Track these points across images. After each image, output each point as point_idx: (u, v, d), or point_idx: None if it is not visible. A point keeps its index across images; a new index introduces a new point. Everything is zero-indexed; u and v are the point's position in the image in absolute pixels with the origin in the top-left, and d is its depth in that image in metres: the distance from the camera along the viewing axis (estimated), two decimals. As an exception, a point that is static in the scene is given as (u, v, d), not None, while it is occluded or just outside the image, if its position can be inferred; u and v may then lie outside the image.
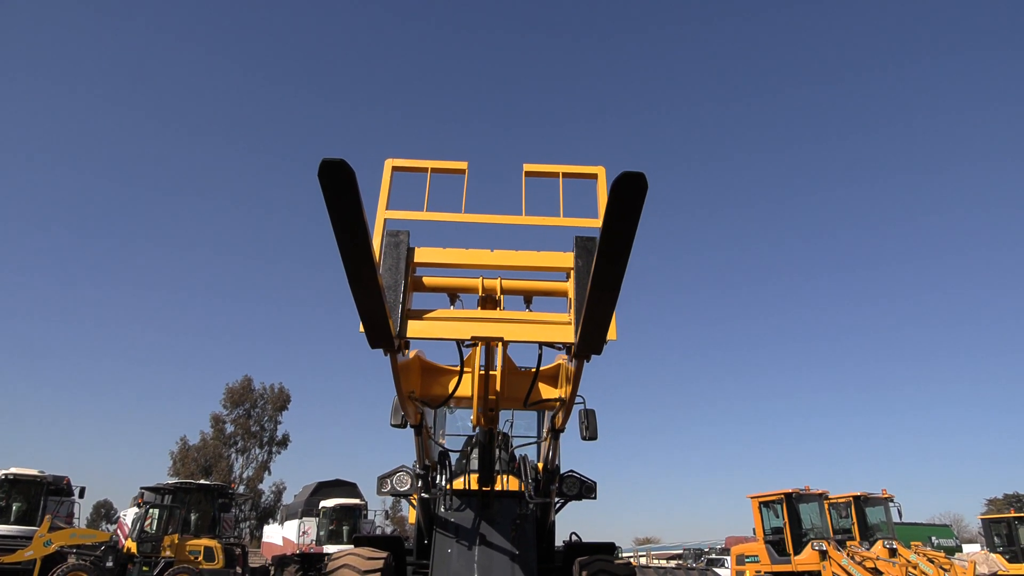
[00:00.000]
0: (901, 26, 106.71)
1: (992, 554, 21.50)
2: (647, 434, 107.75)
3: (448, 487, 6.16)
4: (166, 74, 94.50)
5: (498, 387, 4.69)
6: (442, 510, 6.00)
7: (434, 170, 4.71)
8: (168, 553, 18.97)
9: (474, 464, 6.37)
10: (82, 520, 24.33)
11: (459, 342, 4.20)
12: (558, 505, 6.59)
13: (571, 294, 4.09)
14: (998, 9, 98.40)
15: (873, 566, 14.22)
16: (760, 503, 17.25)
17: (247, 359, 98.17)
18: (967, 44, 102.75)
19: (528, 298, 4.61)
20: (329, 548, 24.64)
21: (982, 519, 23.97)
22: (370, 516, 28.73)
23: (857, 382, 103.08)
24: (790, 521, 16.22)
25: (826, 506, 16.90)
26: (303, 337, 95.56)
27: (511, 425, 7.30)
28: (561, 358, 4.94)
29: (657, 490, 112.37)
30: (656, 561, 38.25)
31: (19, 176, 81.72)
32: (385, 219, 4.42)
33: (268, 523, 41.06)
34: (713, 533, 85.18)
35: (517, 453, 7.10)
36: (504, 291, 4.49)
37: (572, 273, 4.08)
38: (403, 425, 4.87)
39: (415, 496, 6.12)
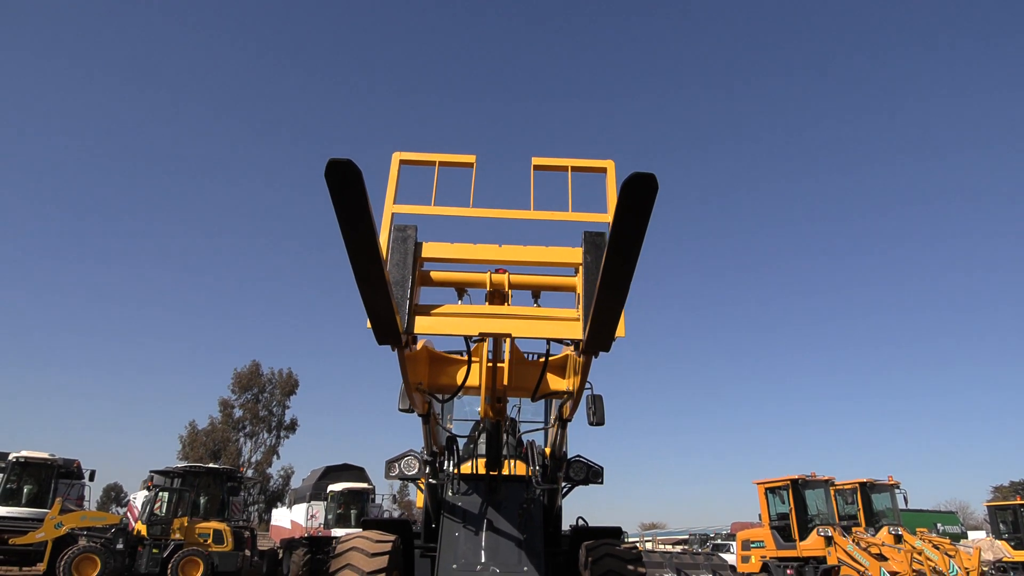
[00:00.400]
0: (917, 19, 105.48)
1: (997, 541, 21.51)
2: (654, 420, 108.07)
3: (456, 471, 6.19)
4: (180, 59, 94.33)
5: (506, 380, 4.68)
6: (450, 494, 6.03)
7: (442, 163, 4.67)
8: (178, 536, 19.18)
9: (481, 449, 6.40)
10: (92, 503, 24.59)
11: (467, 337, 4.19)
12: (565, 490, 6.61)
13: (579, 289, 4.06)
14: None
15: (878, 552, 14.24)
16: (766, 489, 17.28)
17: (255, 344, 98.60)
18: (968, 42, 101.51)
19: (536, 293, 4.60)
20: (337, 531, 24.80)
21: (988, 506, 23.98)
22: (378, 500, 28.98)
23: (864, 369, 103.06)
24: (796, 507, 16.25)
25: (832, 492, 16.92)
26: (311, 322, 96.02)
27: (518, 410, 7.31)
28: (569, 349, 4.93)
29: (663, 476, 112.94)
30: (662, 546, 38.43)
31: (28, 156, 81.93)
32: (392, 213, 4.39)
33: (276, 507, 41.30)
34: (719, 519, 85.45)
35: (524, 439, 7.11)
36: (512, 286, 4.48)
37: (580, 268, 4.05)
38: (411, 410, 4.88)
39: (423, 480, 6.15)
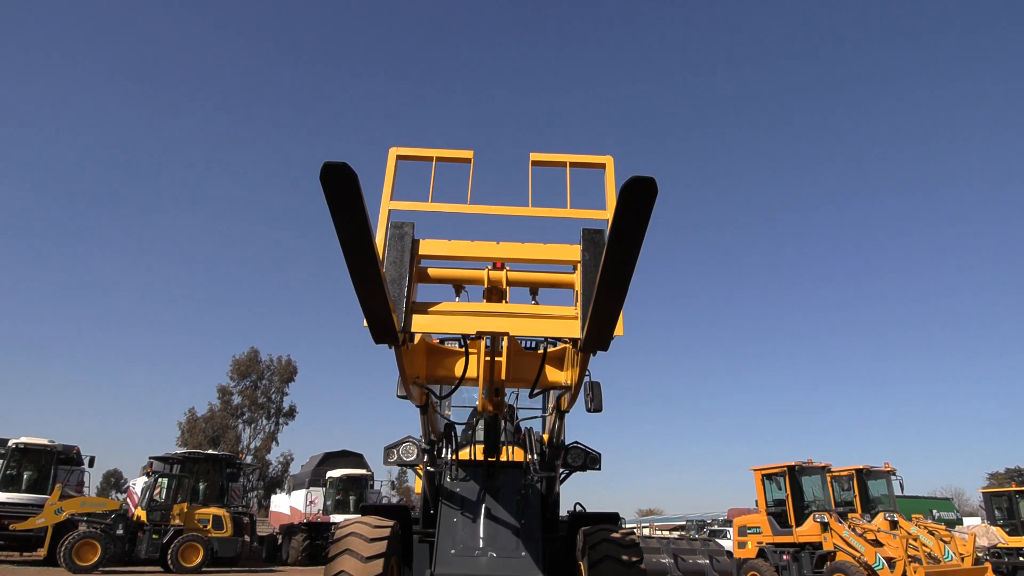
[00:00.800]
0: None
1: (992, 527, 21.64)
2: (652, 407, 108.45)
3: (454, 457, 6.20)
4: (178, 52, 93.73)
5: (503, 374, 4.67)
6: (448, 480, 6.04)
7: (439, 159, 4.64)
8: (177, 521, 19.27)
9: (480, 435, 6.41)
10: (92, 489, 24.68)
11: (464, 335, 4.17)
12: (563, 476, 6.63)
13: (578, 287, 4.04)
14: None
15: (874, 538, 14.33)
16: (763, 475, 17.35)
17: (254, 331, 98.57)
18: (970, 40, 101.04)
19: (534, 290, 4.58)
20: (336, 517, 24.94)
21: (983, 493, 24.10)
22: (376, 486, 29.10)
23: (861, 356, 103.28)
24: (792, 493, 16.32)
25: (828, 479, 16.98)
26: (310, 309, 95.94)
27: (516, 397, 7.33)
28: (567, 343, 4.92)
29: (661, 462, 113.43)
30: (659, 532, 38.64)
31: (24, 146, 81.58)
32: (389, 210, 4.36)
33: (276, 493, 41.50)
34: (716, 505, 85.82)
35: (522, 425, 7.13)
36: (510, 283, 4.46)
37: (579, 266, 4.04)
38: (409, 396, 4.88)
39: (421, 466, 6.17)
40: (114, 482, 72.79)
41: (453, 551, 5.58)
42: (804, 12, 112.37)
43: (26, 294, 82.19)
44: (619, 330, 3.64)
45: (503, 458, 6.15)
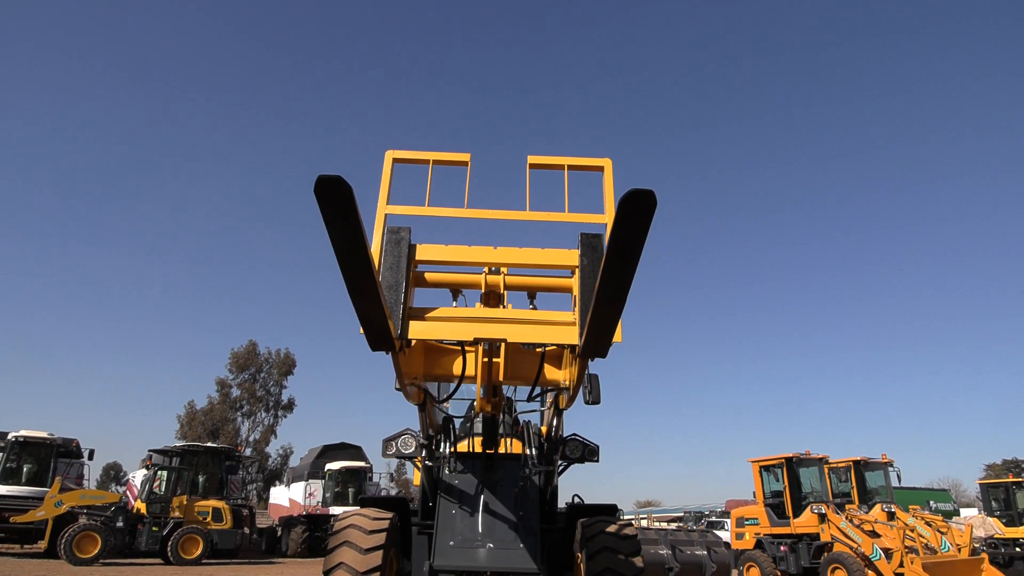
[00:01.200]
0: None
1: (989, 518, 21.75)
2: (649, 399, 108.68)
3: (453, 450, 6.22)
4: (177, 50, 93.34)
5: (502, 376, 4.68)
6: (446, 472, 6.06)
7: (436, 162, 4.61)
8: (177, 514, 19.34)
9: (478, 427, 6.42)
10: (92, 482, 24.75)
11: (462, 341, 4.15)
12: (561, 468, 6.65)
13: (576, 291, 4.02)
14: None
15: (871, 529, 14.40)
16: (761, 467, 17.41)
17: (252, 324, 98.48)
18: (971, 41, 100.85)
19: (532, 294, 4.58)
20: (335, 509, 25.03)
21: (980, 484, 24.20)
22: (375, 478, 29.16)
23: (859, 348, 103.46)
24: (790, 485, 16.38)
25: (826, 470, 17.04)
26: (308, 302, 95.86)
27: (515, 389, 7.33)
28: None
29: (658, 454, 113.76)
30: (657, 523, 38.81)
31: (22, 141, 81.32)
32: (386, 214, 4.33)
33: (275, 485, 41.64)
34: (713, 496, 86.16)
35: (521, 418, 7.14)
36: (507, 287, 4.46)
37: (577, 271, 4.02)
38: None
39: (420, 458, 6.18)
40: (114, 475, 72.93)
41: (452, 543, 5.60)
42: (803, 12, 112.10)
43: (25, 288, 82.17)
44: (617, 336, 3.63)
45: (501, 450, 6.17)
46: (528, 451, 6.09)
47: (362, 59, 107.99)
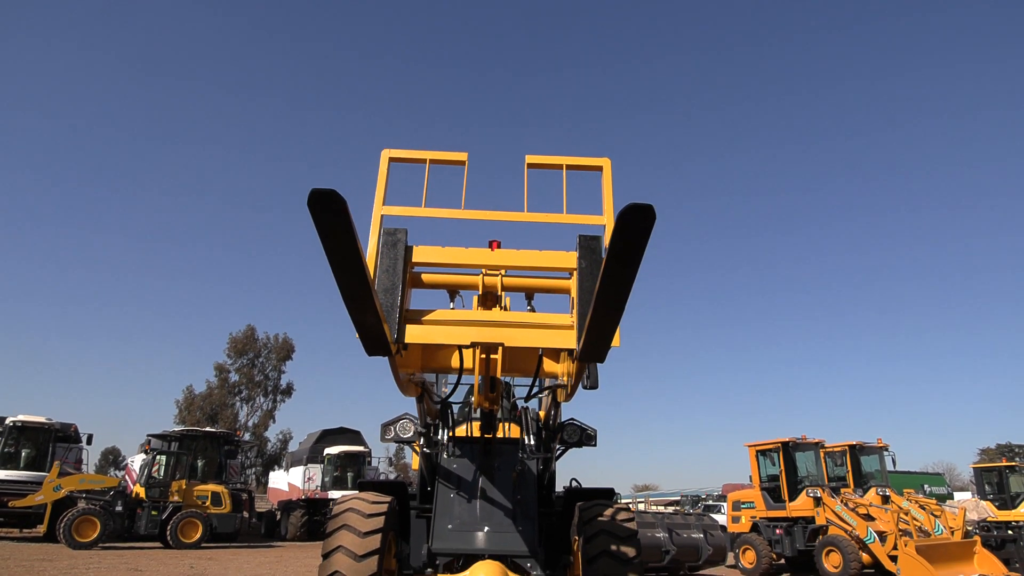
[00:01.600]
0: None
1: (982, 501, 21.89)
2: (646, 383, 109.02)
3: (451, 434, 6.23)
4: (178, 41, 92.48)
5: (499, 373, 4.68)
6: (444, 457, 6.08)
7: (433, 161, 4.56)
8: (176, 498, 19.41)
9: (476, 412, 6.42)
10: (90, 466, 24.80)
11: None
12: (558, 452, 6.67)
13: (574, 293, 4.01)
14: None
15: (866, 512, 14.51)
16: (757, 451, 17.49)
17: (250, 309, 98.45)
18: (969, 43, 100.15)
19: (529, 295, 4.55)
20: (334, 493, 25.16)
21: (974, 468, 24.33)
22: (374, 463, 29.29)
23: (855, 333, 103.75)
24: (786, 469, 16.48)
25: (822, 455, 17.14)
26: (306, 287, 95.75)
27: (512, 379, 7.34)
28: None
29: (656, 438, 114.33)
30: (654, 507, 39.05)
31: (20, 128, 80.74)
32: (382, 215, 4.28)
33: (274, 470, 41.79)
34: (710, 480, 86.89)
35: (519, 403, 7.15)
36: (505, 288, 4.43)
37: (575, 272, 4.00)
38: None
39: (418, 443, 6.19)
40: (112, 460, 73.11)
41: (450, 526, 5.63)
42: (803, 11, 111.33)
43: (24, 274, 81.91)
44: (616, 341, 3.62)
45: (500, 435, 6.18)
46: (526, 438, 6.11)
47: (359, 55, 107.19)
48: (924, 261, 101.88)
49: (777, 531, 16.15)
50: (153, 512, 18.92)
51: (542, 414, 6.79)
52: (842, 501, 14.91)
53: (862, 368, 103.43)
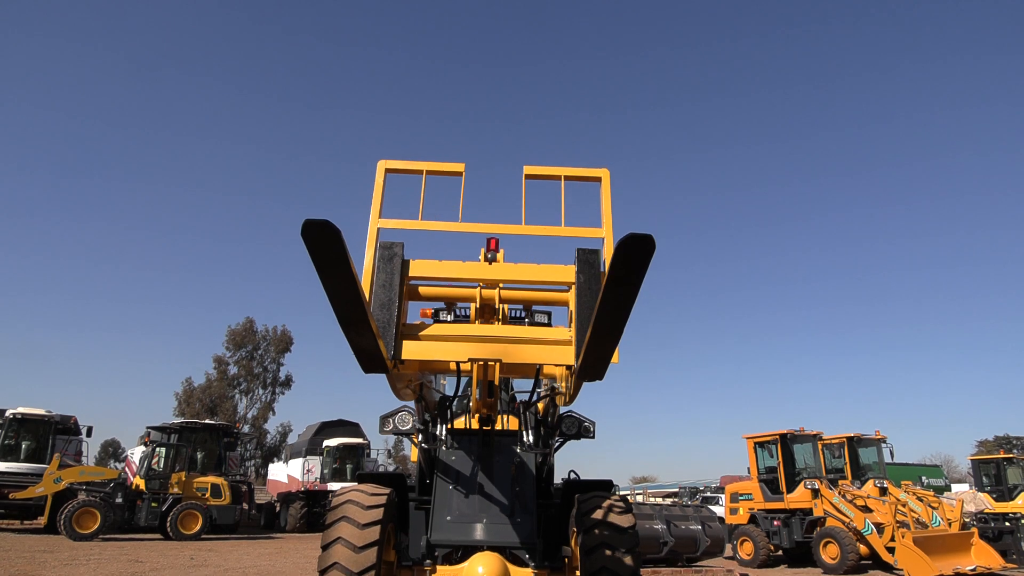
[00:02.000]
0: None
1: (980, 493, 21.98)
2: (644, 375, 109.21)
3: (449, 427, 6.24)
4: (180, 31, 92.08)
5: (496, 379, 4.67)
6: (443, 449, 6.09)
7: (429, 172, 4.50)
8: (176, 490, 19.46)
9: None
10: (90, 459, 24.86)
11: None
12: (557, 444, 6.68)
13: (572, 307, 3.98)
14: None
15: (863, 504, 14.56)
16: (755, 443, 17.53)
17: (249, 301, 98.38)
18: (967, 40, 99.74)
19: (528, 307, 4.51)
20: (333, 485, 25.22)
21: (972, 460, 24.43)
22: (373, 455, 29.34)
23: (853, 324, 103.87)
24: (784, 461, 16.51)
25: (820, 447, 17.18)
26: (305, 279, 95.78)
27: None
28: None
29: (654, 430, 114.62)
30: (652, 499, 39.17)
31: (17, 121, 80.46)
32: (378, 228, 4.23)
33: (273, 462, 41.88)
34: (708, 472, 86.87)
35: (517, 396, 7.16)
36: (503, 301, 4.40)
37: (573, 287, 3.97)
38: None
39: (416, 435, 6.21)
40: (112, 452, 73.29)
41: (449, 518, 5.65)
42: (802, 12, 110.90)
43: (24, 266, 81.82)
44: (614, 358, 3.61)
45: (498, 427, 6.19)
46: (525, 432, 6.12)
47: (357, 63, 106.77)
48: (922, 253, 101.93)
49: (775, 523, 16.20)
50: (153, 504, 18.98)
51: (540, 407, 6.80)
52: (840, 493, 14.96)
53: (860, 360, 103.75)
